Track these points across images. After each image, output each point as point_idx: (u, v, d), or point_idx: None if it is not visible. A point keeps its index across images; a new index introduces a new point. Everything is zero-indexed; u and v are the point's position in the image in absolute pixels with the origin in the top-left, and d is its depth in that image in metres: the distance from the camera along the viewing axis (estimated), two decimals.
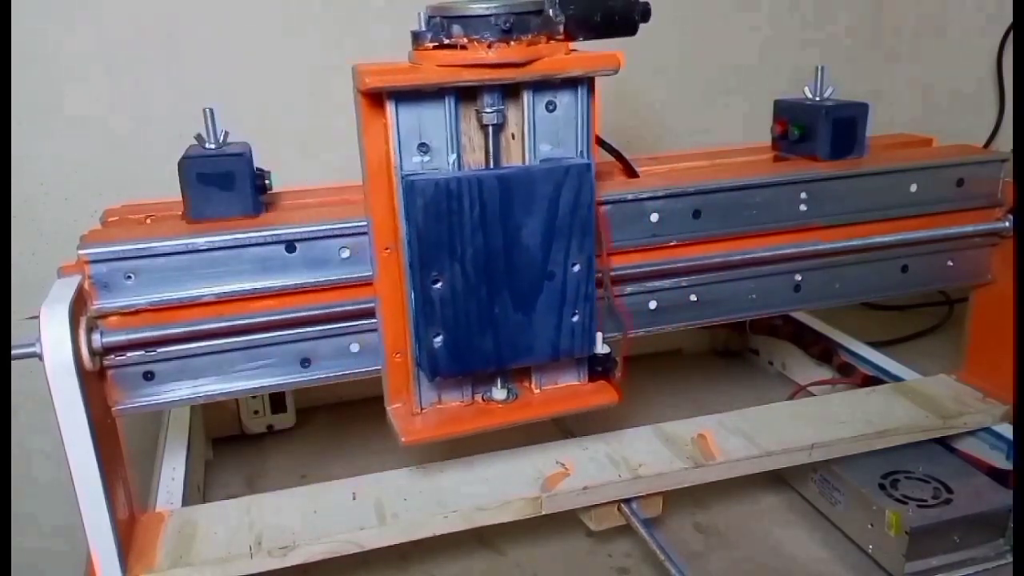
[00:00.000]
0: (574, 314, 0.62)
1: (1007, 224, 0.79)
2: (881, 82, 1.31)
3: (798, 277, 0.76)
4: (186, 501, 0.72)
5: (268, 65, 1.04)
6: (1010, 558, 0.71)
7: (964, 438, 0.81)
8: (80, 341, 0.55)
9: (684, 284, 0.73)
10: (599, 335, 0.65)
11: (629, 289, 0.71)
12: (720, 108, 1.24)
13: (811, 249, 0.75)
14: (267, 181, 0.68)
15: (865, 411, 0.80)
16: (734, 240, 0.73)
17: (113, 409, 0.62)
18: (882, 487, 0.73)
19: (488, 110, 0.58)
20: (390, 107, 0.57)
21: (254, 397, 0.94)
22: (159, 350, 0.62)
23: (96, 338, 0.58)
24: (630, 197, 0.69)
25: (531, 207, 0.59)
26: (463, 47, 0.56)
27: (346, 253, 0.63)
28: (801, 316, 1.03)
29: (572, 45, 0.59)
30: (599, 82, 0.60)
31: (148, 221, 0.70)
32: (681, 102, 1.22)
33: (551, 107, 0.60)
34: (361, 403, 1.00)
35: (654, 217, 0.70)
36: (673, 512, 0.76)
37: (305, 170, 1.03)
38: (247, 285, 0.62)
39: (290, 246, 0.62)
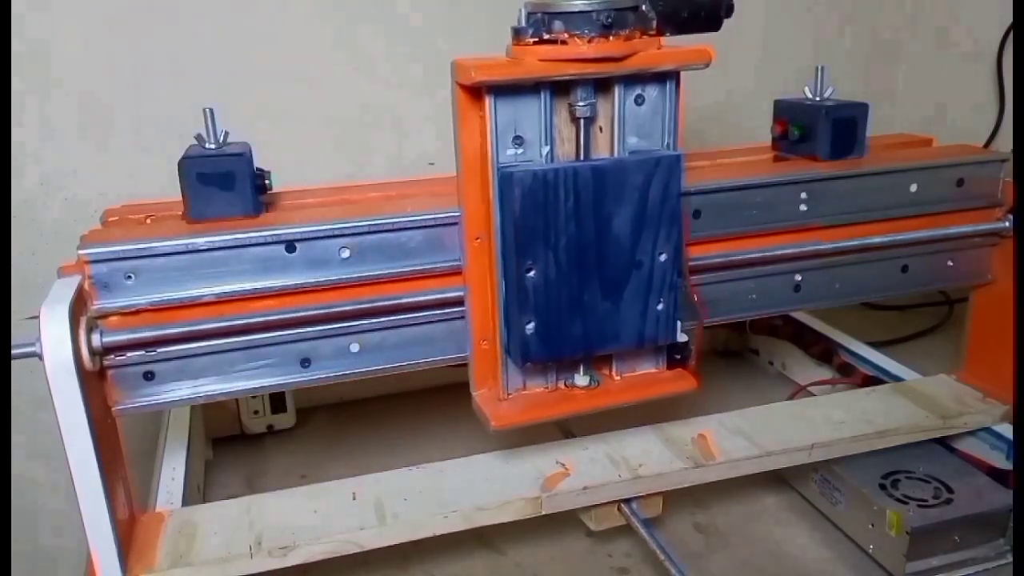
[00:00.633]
0: (659, 302, 0.64)
1: (1007, 224, 0.79)
2: (881, 82, 1.31)
3: (798, 277, 0.76)
4: (186, 501, 0.72)
5: (268, 65, 1.04)
6: (1010, 558, 0.71)
7: (964, 438, 0.81)
8: (80, 341, 0.55)
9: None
10: (679, 323, 0.66)
11: None
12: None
13: (811, 249, 0.75)
14: (267, 181, 0.68)
15: (865, 411, 0.80)
16: (734, 240, 0.73)
17: (113, 409, 0.62)
18: (883, 487, 0.73)
19: (581, 103, 0.60)
20: (488, 100, 0.58)
21: (254, 397, 0.94)
22: (159, 350, 0.62)
23: (96, 338, 0.57)
24: None
25: (622, 198, 0.60)
26: (563, 42, 0.57)
27: (346, 253, 0.63)
28: (801, 316, 1.03)
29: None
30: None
31: (148, 221, 0.70)
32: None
33: (640, 101, 0.62)
34: (361, 403, 1.01)
35: None
36: (673, 512, 0.76)
37: (305, 170, 1.03)
38: (247, 285, 0.62)
39: (290, 246, 0.62)
